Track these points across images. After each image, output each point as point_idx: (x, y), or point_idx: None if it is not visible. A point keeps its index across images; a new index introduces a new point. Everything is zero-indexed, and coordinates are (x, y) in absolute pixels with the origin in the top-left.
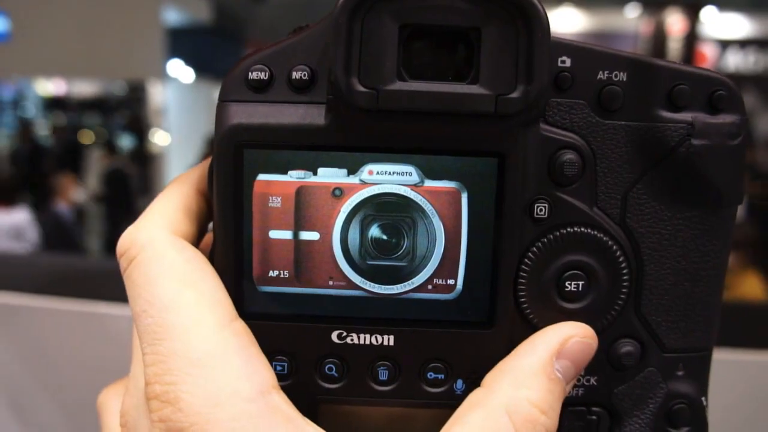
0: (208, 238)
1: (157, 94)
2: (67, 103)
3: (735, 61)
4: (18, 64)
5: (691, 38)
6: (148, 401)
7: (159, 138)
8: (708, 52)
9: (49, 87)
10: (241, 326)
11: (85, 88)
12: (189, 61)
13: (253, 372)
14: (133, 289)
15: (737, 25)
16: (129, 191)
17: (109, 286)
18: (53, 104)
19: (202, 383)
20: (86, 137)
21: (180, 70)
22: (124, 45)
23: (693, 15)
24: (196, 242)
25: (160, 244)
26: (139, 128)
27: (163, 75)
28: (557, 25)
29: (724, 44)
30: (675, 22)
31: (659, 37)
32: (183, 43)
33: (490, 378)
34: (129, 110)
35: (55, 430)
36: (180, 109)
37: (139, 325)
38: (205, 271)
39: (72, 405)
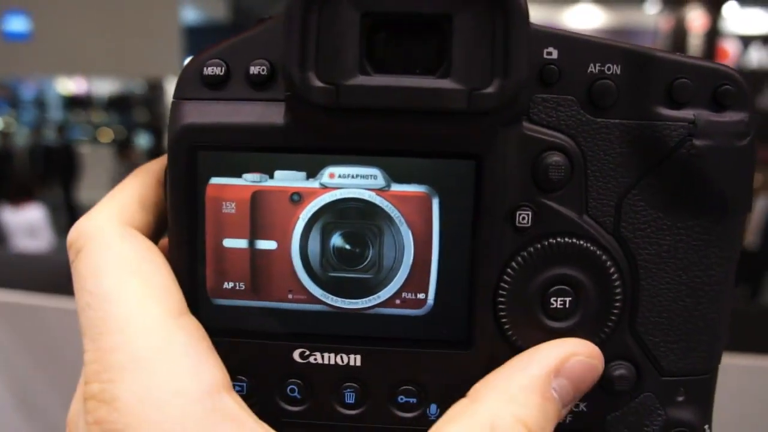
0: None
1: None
2: (87, 101)
3: (758, 57)
4: (39, 63)
5: (713, 34)
6: (85, 402)
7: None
8: (730, 49)
9: (70, 85)
10: (190, 321)
11: (105, 87)
12: None
13: (201, 370)
14: (78, 281)
15: (760, 20)
16: None
17: None
18: (74, 102)
19: (142, 381)
20: (105, 135)
21: None
22: (142, 43)
23: (714, 10)
24: (153, 234)
25: (108, 235)
26: (158, 126)
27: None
28: (575, 22)
29: (746, 40)
30: (696, 17)
31: (679, 34)
32: (200, 41)
33: (477, 389)
34: (147, 108)
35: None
36: None
37: (82, 319)
38: (155, 262)
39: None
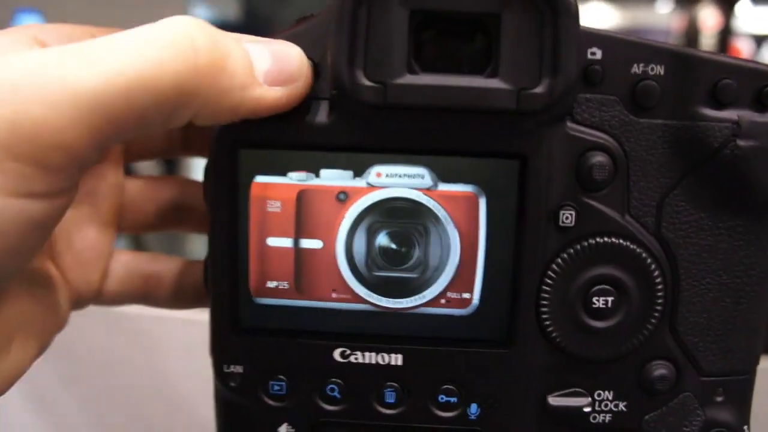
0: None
1: None
2: None
3: None
4: None
5: (725, 33)
6: None
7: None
8: (742, 48)
9: None
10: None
11: None
12: None
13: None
14: None
15: None
16: None
17: None
18: None
19: None
20: None
21: None
22: None
23: (727, 9)
24: None
25: None
26: None
27: None
28: (587, 21)
29: (760, 39)
30: (708, 16)
31: (692, 33)
32: None
33: None
34: None
35: (74, 424)
36: None
37: None
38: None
39: (91, 400)
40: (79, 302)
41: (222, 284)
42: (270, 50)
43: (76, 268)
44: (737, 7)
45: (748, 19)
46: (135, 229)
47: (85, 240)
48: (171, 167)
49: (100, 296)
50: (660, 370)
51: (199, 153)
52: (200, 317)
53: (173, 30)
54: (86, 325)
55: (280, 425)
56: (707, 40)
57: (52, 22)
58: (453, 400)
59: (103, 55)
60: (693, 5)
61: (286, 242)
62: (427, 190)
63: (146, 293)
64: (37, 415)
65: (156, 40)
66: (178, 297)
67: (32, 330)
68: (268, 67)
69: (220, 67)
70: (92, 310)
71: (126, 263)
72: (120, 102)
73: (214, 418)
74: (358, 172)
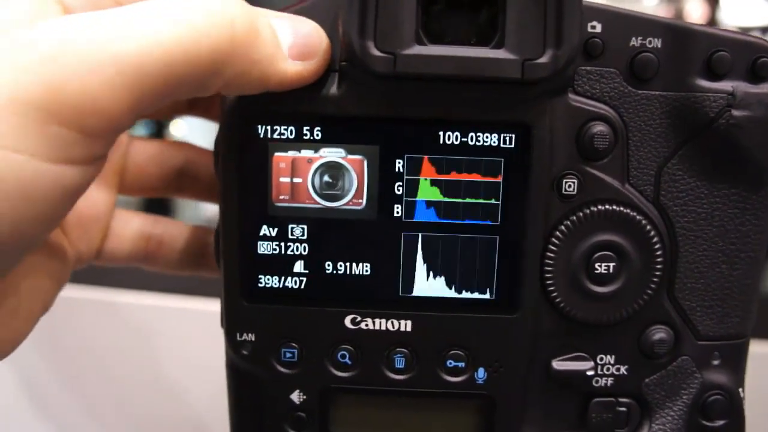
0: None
1: None
2: None
3: None
4: None
5: (711, 25)
6: None
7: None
8: None
9: None
10: None
11: None
12: None
13: None
14: None
15: (759, 11)
16: None
17: (127, 274)
18: None
19: None
20: None
21: None
22: None
23: (713, 1)
24: None
25: None
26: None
27: None
28: None
29: (745, 31)
30: (694, 8)
31: None
32: None
33: None
34: None
35: (71, 419)
36: None
37: None
38: None
39: (88, 394)
40: (80, 261)
41: (234, 253)
42: (293, 26)
43: (78, 227)
44: None
45: (733, 11)
46: (136, 191)
47: (86, 199)
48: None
49: (100, 255)
50: (659, 334)
51: (203, 114)
52: (194, 306)
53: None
54: (84, 319)
55: (291, 392)
56: None
57: None
58: (461, 364)
59: (144, 21)
60: None
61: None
62: None
63: (147, 255)
64: (31, 405)
65: (194, 8)
66: (180, 262)
67: (39, 291)
68: (291, 42)
69: (253, 39)
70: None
71: (127, 223)
72: (160, 69)
73: (225, 389)
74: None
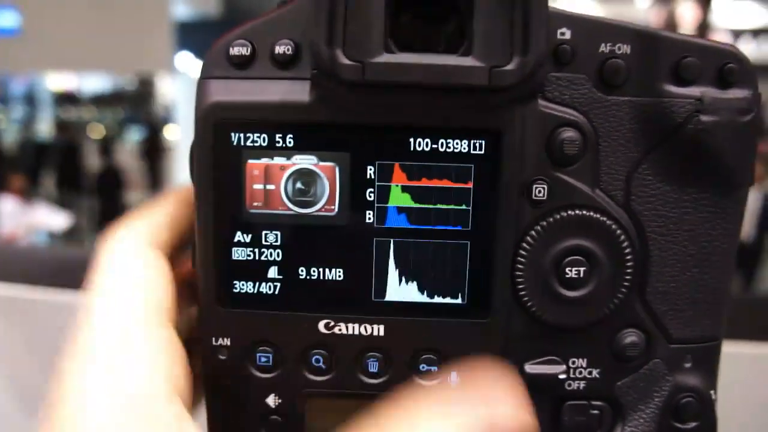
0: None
1: (166, 88)
2: (78, 98)
3: (748, 50)
4: (28, 59)
5: (703, 28)
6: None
7: (169, 132)
8: None
9: (61, 81)
10: (170, 333)
11: (96, 83)
12: (198, 55)
13: (152, 376)
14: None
15: (750, 13)
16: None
17: None
18: (64, 99)
19: (89, 375)
20: (95, 132)
21: (189, 63)
22: (133, 39)
23: (705, 4)
24: (172, 251)
25: (124, 249)
26: (150, 122)
27: (172, 69)
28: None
29: (737, 34)
30: (686, 11)
31: (671, 27)
32: (192, 36)
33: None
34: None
35: None
36: (189, 103)
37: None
38: (159, 275)
39: None
40: None
41: (209, 259)
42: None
43: None
44: (714, 2)
45: (725, 14)
46: None
47: None
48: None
49: None
50: (631, 337)
51: None
52: None
53: None
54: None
55: (267, 396)
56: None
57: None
58: (434, 368)
59: None
60: (671, 0)
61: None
62: None
63: None
64: (27, 418)
65: None
66: None
67: None
68: None
69: None
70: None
71: None
72: None
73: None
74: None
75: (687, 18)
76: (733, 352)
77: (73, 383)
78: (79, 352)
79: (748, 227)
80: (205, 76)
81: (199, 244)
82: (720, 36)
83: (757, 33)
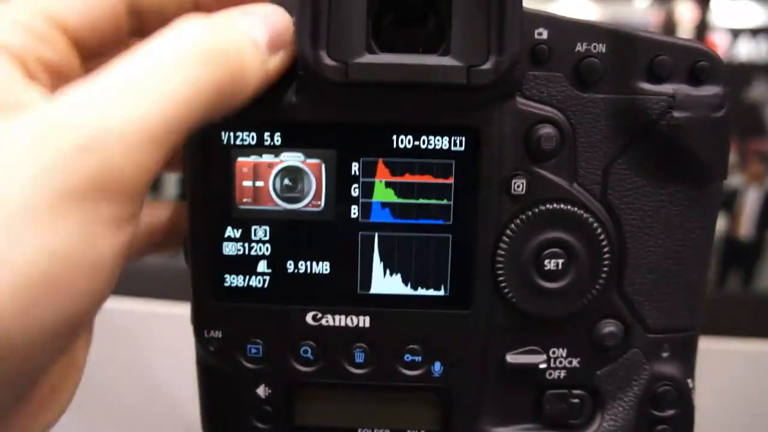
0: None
1: None
2: None
3: (747, 50)
4: None
5: (702, 27)
6: None
7: None
8: (719, 42)
9: None
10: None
11: None
12: None
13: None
14: None
15: (749, 13)
16: None
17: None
18: None
19: None
20: None
21: None
22: None
23: (704, 3)
24: None
25: None
26: None
27: None
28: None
29: (736, 33)
30: (685, 11)
31: (669, 27)
32: None
33: None
34: None
35: (62, 425)
36: None
37: None
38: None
39: (78, 399)
40: None
41: (201, 254)
42: (263, 20)
43: None
44: (713, 2)
45: (724, 13)
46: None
47: None
48: None
49: None
50: (609, 327)
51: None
52: (182, 312)
53: (195, 42)
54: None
55: (257, 386)
56: (684, 34)
57: None
58: (417, 359)
59: (155, 86)
60: (670, 0)
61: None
62: None
63: (144, 248)
64: None
65: (193, 60)
66: (165, 243)
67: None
68: (267, 38)
69: (245, 63)
70: None
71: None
72: (182, 125)
73: (197, 387)
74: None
75: (685, 18)
76: (733, 349)
77: None
78: None
79: (747, 225)
80: None
81: (192, 239)
82: (719, 35)
83: (755, 32)
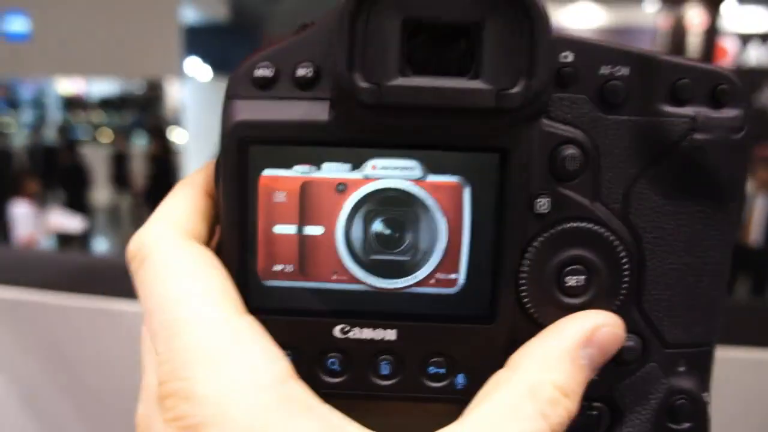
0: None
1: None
2: (87, 102)
3: (756, 55)
4: (38, 64)
5: (711, 33)
6: (162, 402)
7: (177, 136)
8: (728, 47)
9: (70, 86)
10: (251, 319)
11: (104, 88)
12: (206, 59)
13: (269, 361)
14: (143, 289)
15: (758, 18)
16: None
17: (125, 282)
18: (73, 103)
19: (217, 375)
20: (104, 136)
21: (197, 68)
22: (141, 43)
23: (713, 9)
24: (207, 242)
25: (168, 243)
26: (158, 126)
27: (180, 73)
28: (575, 20)
29: (745, 38)
30: (694, 16)
31: (678, 32)
32: (200, 40)
33: (514, 359)
34: (142, 109)
35: (70, 426)
36: (197, 107)
37: (152, 324)
38: (214, 266)
39: (86, 401)
40: None
41: (232, 269)
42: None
43: None
44: (723, 7)
45: (733, 19)
46: None
47: None
48: (163, 166)
49: None
50: (628, 342)
51: None
52: None
53: None
54: (83, 328)
55: None
56: (694, 39)
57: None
58: (442, 371)
59: None
60: (679, 5)
61: (291, 229)
62: (417, 181)
63: None
64: (33, 420)
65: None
66: None
67: None
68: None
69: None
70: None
71: None
72: None
73: None
74: (357, 166)
75: (695, 23)
76: (742, 358)
77: (207, 391)
78: (190, 361)
79: (756, 233)
80: (231, 96)
81: (225, 254)
82: (728, 41)
83: (765, 38)
